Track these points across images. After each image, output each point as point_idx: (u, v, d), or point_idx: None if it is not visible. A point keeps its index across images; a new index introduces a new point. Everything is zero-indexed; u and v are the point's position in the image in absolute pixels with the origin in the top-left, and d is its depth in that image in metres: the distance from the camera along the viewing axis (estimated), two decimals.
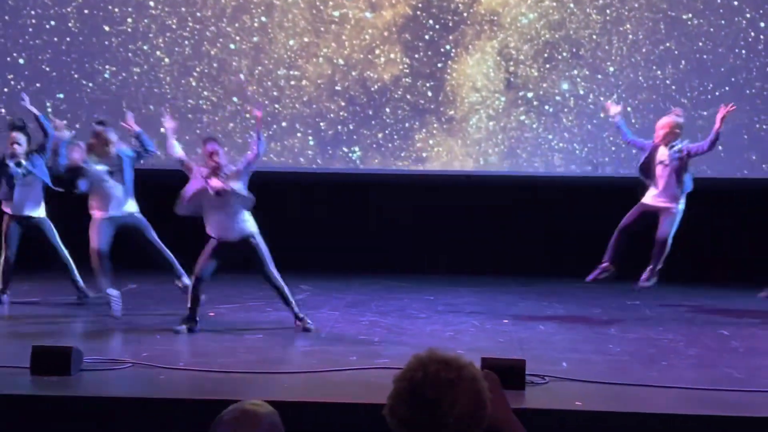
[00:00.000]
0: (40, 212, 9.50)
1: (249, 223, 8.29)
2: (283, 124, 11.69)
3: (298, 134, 11.69)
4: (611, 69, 11.40)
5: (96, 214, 9.03)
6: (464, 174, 11.43)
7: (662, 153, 9.09)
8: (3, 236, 9.47)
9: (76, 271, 9.46)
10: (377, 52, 11.55)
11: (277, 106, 11.67)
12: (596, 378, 6.61)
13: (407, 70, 11.55)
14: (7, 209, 9.46)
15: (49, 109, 11.74)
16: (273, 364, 6.94)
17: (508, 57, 11.48)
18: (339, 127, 11.65)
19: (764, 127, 11.31)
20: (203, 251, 8.26)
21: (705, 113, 11.28)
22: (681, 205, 9.12)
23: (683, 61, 11.33)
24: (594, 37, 11.38)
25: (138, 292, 9.91)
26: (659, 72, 11.34)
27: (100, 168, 9.02)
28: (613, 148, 11.42)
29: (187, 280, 8.84)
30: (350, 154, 11.66)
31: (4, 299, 9.43)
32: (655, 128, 9.34)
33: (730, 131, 11.23)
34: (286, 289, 8.28)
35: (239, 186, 8.19)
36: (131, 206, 9.16)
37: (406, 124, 11.60)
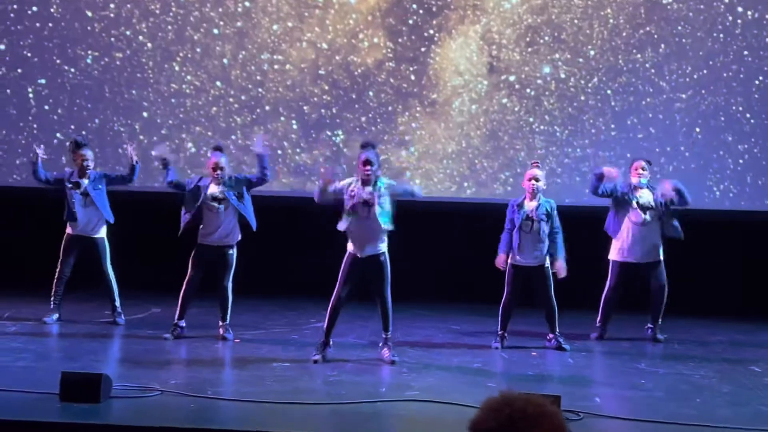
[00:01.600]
0: (100, 233, 9.63)
1: (385, 241, 8.25)
2: (267, 108, 11.73)
3: (282, 118, 11.73)
4: (592, 53, 11.53)
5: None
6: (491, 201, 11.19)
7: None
8: (62, 252, 9.60)
9: (117, 296, 9.59)
10: (361, 36, 11.59)
11: (260, 90, 11.69)
12: (631, 415, 6.57)
13: (391, 55, 11.61)
14: (69, 229, 9.61)
15: (31, 95, 11.70)
16: (302, 394, 6.89)
17: (491, 41, 11.57)
18: (322, 110, 11.70)
19: (740, 109, 11.51)
20: (341, 272, 8.20)
21: (684, 96, 11.48)
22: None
23: (662, 45, 11.48)
24: (575, 21, 11.50)
25: (162, 316, 9.91)
26: (639, 56, 11.50)
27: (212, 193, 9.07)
28: (593, 131, 11.59)
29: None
30: (333, 138, 11.73)
31: (49, 320, 9.51)
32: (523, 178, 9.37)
33: (708, 114, 11.48)
34: (390, 315, 8.22)
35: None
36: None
37: (389, 108, 11.68)
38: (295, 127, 11.73)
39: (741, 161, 11.53)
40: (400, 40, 11.59)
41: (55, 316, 9.59)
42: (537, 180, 9.03)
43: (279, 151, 11.74)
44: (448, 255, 11.53)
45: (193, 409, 6.46)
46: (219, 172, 9.05)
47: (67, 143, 10.01)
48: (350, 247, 8.26)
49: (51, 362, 7.73)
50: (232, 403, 6.65)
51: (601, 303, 9.61)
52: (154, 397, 6.69)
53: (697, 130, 11.49)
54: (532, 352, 8.87)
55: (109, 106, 11.71)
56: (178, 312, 9.05)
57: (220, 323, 9.13)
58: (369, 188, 8.16)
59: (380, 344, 8.32)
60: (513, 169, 11.65)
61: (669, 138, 11.51)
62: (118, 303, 9.63)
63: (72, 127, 11.69)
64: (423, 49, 11.59)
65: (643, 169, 9.54)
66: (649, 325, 9.67)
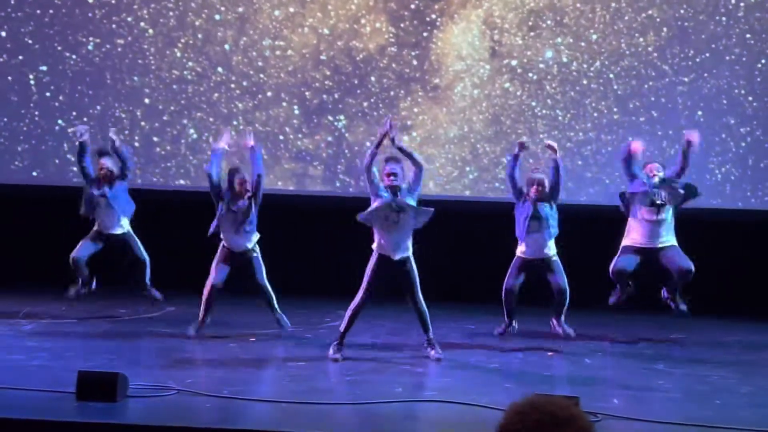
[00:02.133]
0: (123, 228, 9.75)
1: (411, 245, 8.23)
2: (269, 93, 11.70)
3: (284, 104, 11.71)
4: (594, 36, 11.51)
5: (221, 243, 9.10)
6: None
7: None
8: (86, 238, 9.69)
9: (149, 276, 9.76)
10: (363, 21, 11.56)
11: (262, 76, 11.67)
12: (650, 416, 6.47)
13: (393, 40, 11.58)
14: (96, 226, 9.75)
15: (32, 82, 11.68)
16: (318, 394, 6.85)
17: (493, 26, 11.55)
18: (324, 96, 11.68)
19: (742, 92, 11.50)
20: (368, 275, 8.10)
21: (686, 79, 11.47)
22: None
23: (665, 29, 11.46)
24: (578, 5, 11.47)
25: (177, 315, 9.88)
26: (641, 39, 11.48)
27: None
28: (595, 114, 11.59)
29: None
30: (335, 123, 11.72)
31: (90, 288, 9.71)
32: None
33: (711, 97, 11.48)
34: (427, 316, 8.19)
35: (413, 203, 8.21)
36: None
37: (391, 93, 11.66)
38: (296, 112, 11.72)
39: (743, 144, 11.53)
40: (402, 25, 11.56)
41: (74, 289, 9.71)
42: (542, 185, 8.96)
43: (281, 137, 11.75)
44: (465, 254, 11.40)
45: (210, 409, 6.44)
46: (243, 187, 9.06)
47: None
48: (378, 248, 8.20)
49: (67, 361, 7.68)
50: (249, 402, 6.61)
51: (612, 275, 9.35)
52: (170, 397, 6.65)
53: (699, 113, 11.49)
54: (548, 353, 8.75)
55: (110, 93, 11.69)
56: (201, 314, 8.97)
57: (273, 314, 9.15)
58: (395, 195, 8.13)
59: (424, 345, 8.28)
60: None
61: (671, 121, 11.50)
62: (148, 279, 9.78)
63: (74, 113, 11.68)
64: (425, 34, 11.57)
65: (657, 171, 9.30)
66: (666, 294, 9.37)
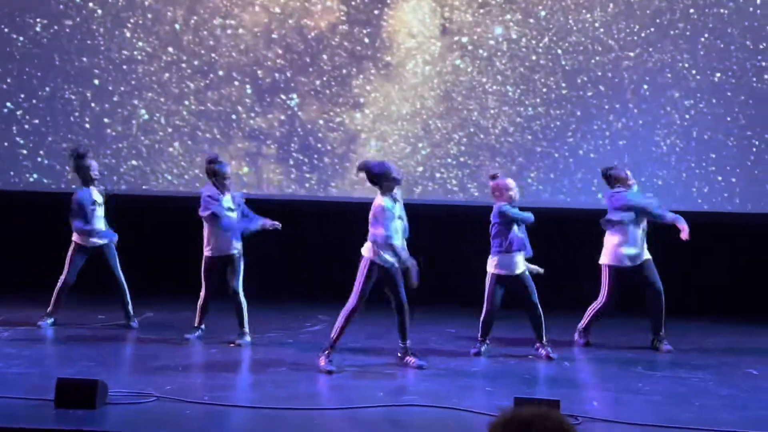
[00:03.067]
0: (106, 238, 9.56)
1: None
2: (220, 73, 11.67)
3: (236, 83, 11.69)
4: (543, 13, 11.65)
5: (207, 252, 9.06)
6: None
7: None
8: (68, 261, 9.46)
9: (128, 298, 9.54)
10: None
11: (213, 55, 11.62)
12: (630, 419, 6.53)
13: (344, 18, 11.60)
14: (78, 240, 9.47)
15: None
16: (300, 399, 6.88)
17: (443, 3, 11.62)
18: (276, 75, 11.69)
19: (686, 66, 11.74)
20: (363, 281, 7.96)
21: (632, 54, 11.68)
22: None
23: (611, 5, 11.64)
24: None
25: (155, 320, 9.86)
26: (588, 15, 11.64)
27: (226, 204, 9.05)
28: (545, 90, 11.76)
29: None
30: (288, 102, 11.74)
31: (44, 324, 9.41)
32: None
33: (656, 71, 11.70)
34: (407, 319, 8.13)
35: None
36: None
37: (344, 71, 11.71)
38: (249, 91, 11.71)
39: (687, 117, 11.78)
40: (353, 2, 11.58)
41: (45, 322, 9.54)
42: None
43: (233, 116, 11.74)
44: (442, 257, 11.34)
45: (189, 416, 6.45)
46: (229, 180, 9.13)
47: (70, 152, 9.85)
48: (379, 255, 8.01)
49: (45, 368, 7.68)
50: (229, 409, 6.64)
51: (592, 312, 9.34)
52: (150, 404, 6.66)
53: (645, 87, 11.71)
54: (528, 356, 8.74)
55: (59, 74, 11.56)
56: (197, 320, 9.09)
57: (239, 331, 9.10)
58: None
59: (400, 354, 8.22)
60: (466, 129, 11.79)
61: (617, 95, 11.72)
62: (130, 307, 9.59)
63: (22, 96, 11.54)
64: (376, 12, 11.61)
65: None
66: (652, 337, 9.32)
